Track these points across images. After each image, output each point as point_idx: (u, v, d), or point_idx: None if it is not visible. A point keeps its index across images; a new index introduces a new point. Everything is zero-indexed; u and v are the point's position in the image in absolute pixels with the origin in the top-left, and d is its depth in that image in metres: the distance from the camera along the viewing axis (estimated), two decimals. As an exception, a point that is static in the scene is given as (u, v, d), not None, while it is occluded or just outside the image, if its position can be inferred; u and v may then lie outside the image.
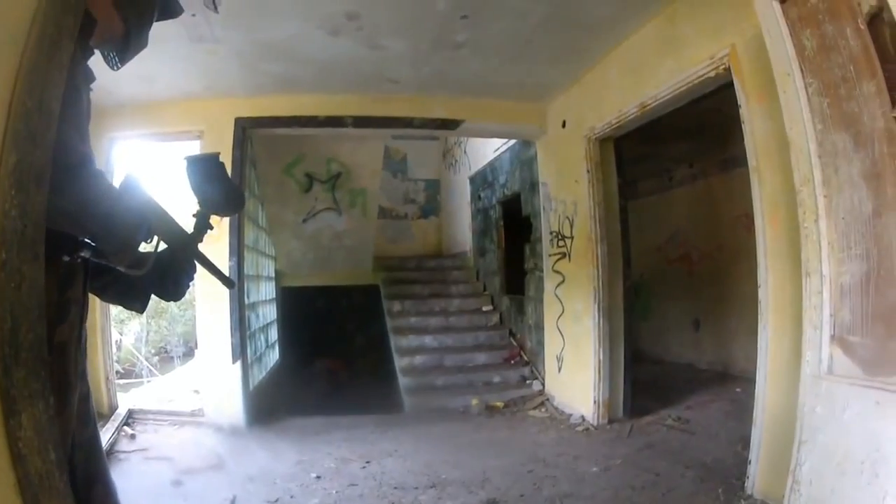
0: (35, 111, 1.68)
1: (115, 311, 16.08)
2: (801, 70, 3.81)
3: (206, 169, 2.64)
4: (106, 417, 7.85)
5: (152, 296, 2.74)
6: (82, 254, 2.20)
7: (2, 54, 1.61)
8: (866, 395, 3.44)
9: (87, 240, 2.20)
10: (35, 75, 1.69)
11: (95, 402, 7.34)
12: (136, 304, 2.84)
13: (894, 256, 3.36)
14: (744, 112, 5.24)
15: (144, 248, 2.48)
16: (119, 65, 2.63)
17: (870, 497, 3.31)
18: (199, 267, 2.70)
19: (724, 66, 5.40)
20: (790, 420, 4.08)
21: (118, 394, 9.15)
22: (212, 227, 2.72)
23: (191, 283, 2.81)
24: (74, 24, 1.88)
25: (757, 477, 5.15)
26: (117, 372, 11.29)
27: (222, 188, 2.72)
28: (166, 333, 21.48)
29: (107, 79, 7.42)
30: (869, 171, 3.46)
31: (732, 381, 9.23)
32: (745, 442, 5.44)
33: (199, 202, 2.64)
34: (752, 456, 5.22)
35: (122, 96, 8.06)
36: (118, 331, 18.14)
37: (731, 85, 5.36)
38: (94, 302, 8.35)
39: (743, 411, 6.68)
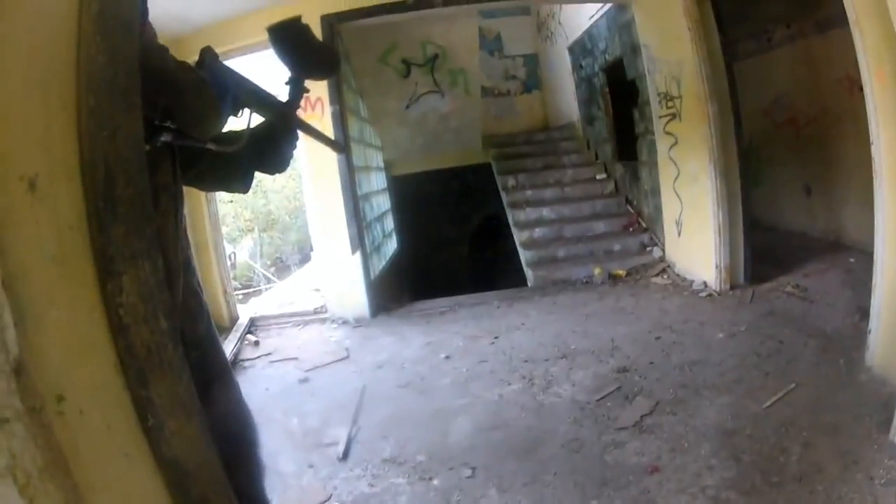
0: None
1: (227, 229, 16.42)
2: None
3: (290, 35, 2.62)
4: (228, 329, 8.11)
5: (256, 179, 2.72)
6: (163, 138, 2.10)
7: None
8: None
9: (164, 123, 2.07)
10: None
11: (215, 317, 7.57)
12: (238, 185, 2.85)
13: None
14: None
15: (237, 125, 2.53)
16: None
17: None
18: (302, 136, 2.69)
19: None
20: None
21: (238, 305, 9.49)
22: (307, 91, 2.73)
23: (293, 152, 2.81)
24: None
25: (877, 349, 4.99)
26: (237, 286, 11.58)
27: (311, 50, 2.72)
28: (280, 243, 21.80)
29: (175, 7, 7.44)
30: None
31: (845, 250, 8.90)
32: (864, 312, 5.30)
33: (290, 69, 2.66)
34: (872, 327, 5.03)
35: (196, 20, 8.10)
36: (232, 247, 18.46)
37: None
38: (204, 216, 8.60)
39: (858, 281, 6.54)
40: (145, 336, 1.58)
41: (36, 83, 1.40)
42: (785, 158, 10.89)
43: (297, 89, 2.64)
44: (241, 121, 2.52)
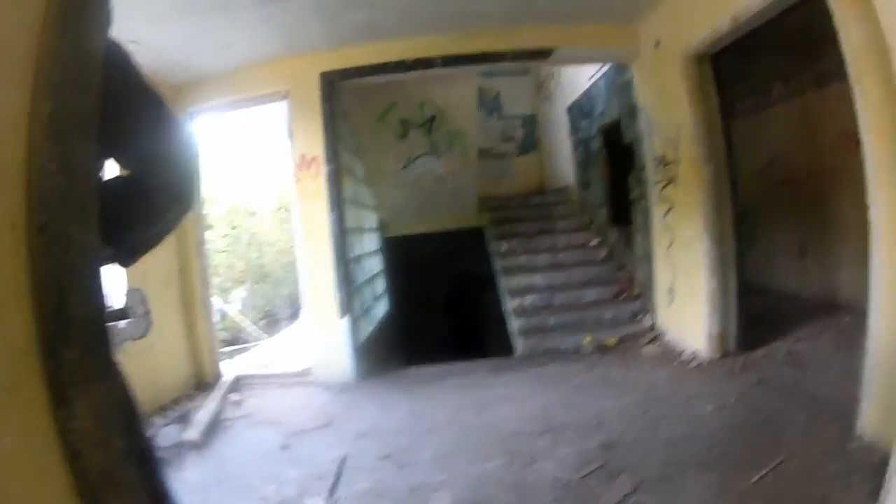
0: (70, 54, 1.52)
1: (220, 279, 16.45)
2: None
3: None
4: (211, 387, 8.01)
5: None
6: None
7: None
8: None
9: None
10: (68, 15, 1.51)
11: (200, 374, 7.53)
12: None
13: None
14: (838, 20, 4.85)
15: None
16: None
17: None
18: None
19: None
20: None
21: (224, 362, 9.46)
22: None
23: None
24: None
25: (868, 415, 4.89)
26: (224, 340, 11.49)
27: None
28: (272, 297, 21.83)
29: (179, 55, 7.56)
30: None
31: (840, 310, 8.84)
32: (857, 376, 5.14)
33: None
34: (864, 393, 4.95)
35: (197, 70, 8.22)
36: (223, 299, 18.45)
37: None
38: (194, 271, 8.59)
39: (852, 343, 6.28)
40: (99, 459, 1.52)
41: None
42: (780, 219, 10.90)
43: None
44: None
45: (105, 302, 1.60)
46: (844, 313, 8.59)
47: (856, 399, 5.07)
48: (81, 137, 1.55)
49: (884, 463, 3.92)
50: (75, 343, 1.46)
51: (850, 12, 4.64)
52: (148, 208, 2.07)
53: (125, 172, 2.07)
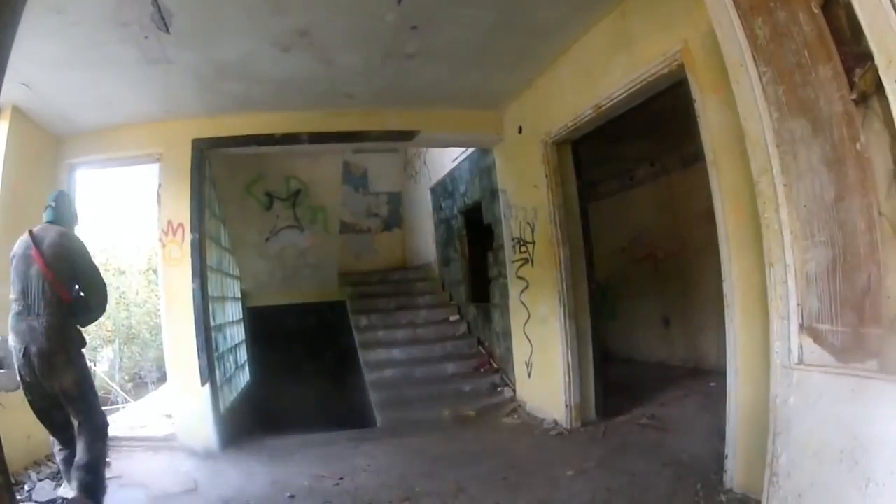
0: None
1: (88, 337, 15.86)
2: (755, 59, 3.80)
3: None
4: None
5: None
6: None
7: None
8: (840, 383, 3.42)
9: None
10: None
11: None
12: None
13: (859, 241, 3.34)
14: (699, 106, 5.27)
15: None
16: None
17: (850, 485, 3.28)
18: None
19: (677, 63, 5.44)
20: (764, 412, 4.06)
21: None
22: None
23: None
24: None
25: (735, 471, 5.15)
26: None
27: None
28: (139, 359, 21.19)
29: (65, 106, 7.51)
30: (829, 156, 3.45)
31: (705, 375, 9.23)
32: (721, 436, 5.41)
33: None
34: (729, 450, 5.22)
35: (80, 123, 8.10)
36: (91, 358, 17.84)
37: (686, 81, 5.37)
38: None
39: (717, 405, 6.56)
40: None
41: None
42: (643, 292, 11.34)
43: None
44: None
45: None
46: (709, 378, 8.99)
47: (721, 457, 5.33)
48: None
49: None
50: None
51: (710, 98, 5.10)
52: (89, 308, 5.57)
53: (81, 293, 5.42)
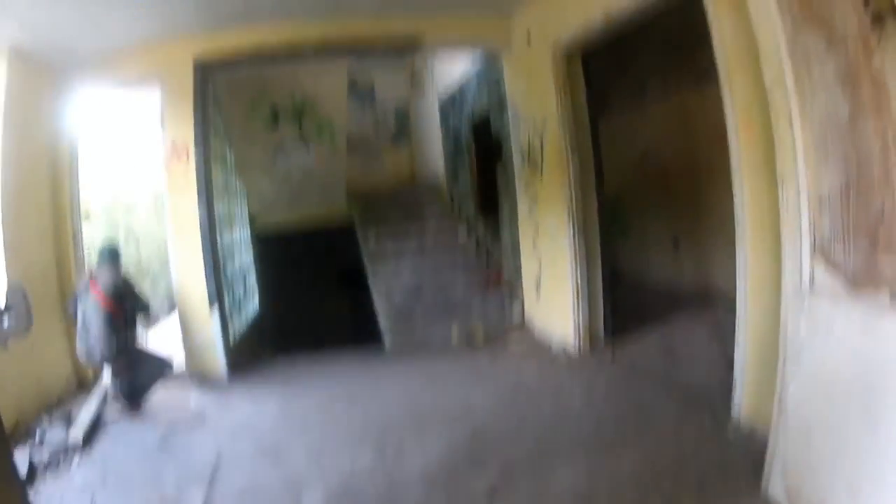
0: None
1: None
2: (770, -33, 3.63)
3: None
4: (92, 384, 7.73)
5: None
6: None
7: None
8: (852, 312, 3.32)
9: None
10: None
11: (80, 373, 7.56)
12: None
13: (874, 165, 3.21)
14: (712, 18, 5.02)
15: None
16: None
17: (860, 421, 3.21)
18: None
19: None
20: (774, 342, 3.97)
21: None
22: None
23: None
24: None
25: (743, 402, 5.09)
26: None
27: None
28: (150, 293, 21.25)
29: (61, 38, 7.32)
30: (844, 74, 3.31)
31: (714, 300, 9.01)
32: (730, 365, 5.31)
33: None
34: (737, 380, 5.14)
35: (78, 53, 7.87)
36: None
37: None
38: (70, 265, 8.29)
39: (726, 333, 6.39)
40: None
41: None
42: (654, 211, 11.12)
43: None
44: None
45: None
46: (718, 305, 8.76)
47: (730, 386, 5.23)
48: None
49: (761, 447, 4.08)
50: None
51: (724, 12, 4.84)
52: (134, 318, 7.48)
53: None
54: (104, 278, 7.16)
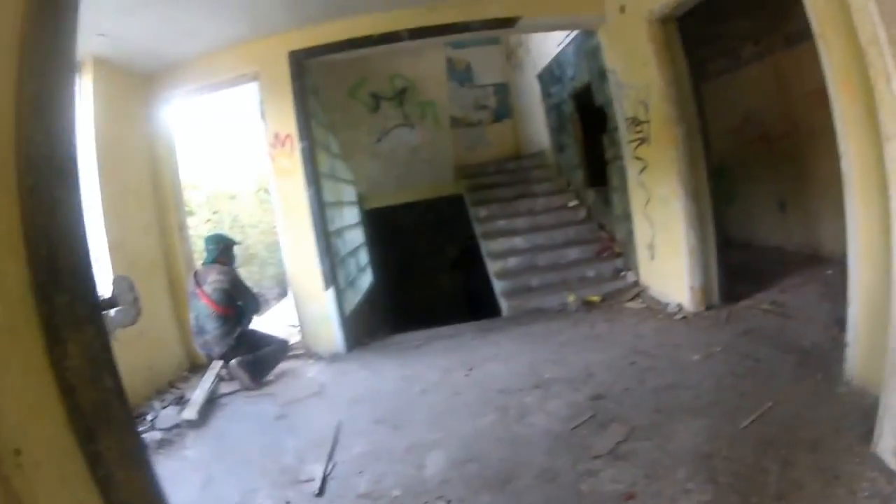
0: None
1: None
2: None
3: None
4: (205, 365, 8.01)
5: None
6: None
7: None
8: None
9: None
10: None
11: (192, 354, 7.94)
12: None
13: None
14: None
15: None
16: None
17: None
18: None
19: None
20: (886, 300, 3.86)
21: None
22: None
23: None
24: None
25: (855, 361, 4.95)
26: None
27: None
28: (259, 278, 21.74)
29: (147, 46, 7.55)
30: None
31: (822, 262, 8.90)
32: (842, 325, 5.18)
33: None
34: (850, 339, 5.00)
35: (168, 57, 8.19)
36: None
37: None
38: (178, 256, 8.62)
39: (836, 293, 6.25)
40: (92, 395, 1.66)
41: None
42: (758, 175, 10.92)
43: None
44: None
45: (90, 253, 1.76)
46: (827, 265, 8.66)
47: (842, 346, 5.13)
48: (62, 115, 1.71)
49: (873, 406, 4.01)
50: (65, 289, 1.62)
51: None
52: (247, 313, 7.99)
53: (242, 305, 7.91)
54: (211, 281, 7.76)
